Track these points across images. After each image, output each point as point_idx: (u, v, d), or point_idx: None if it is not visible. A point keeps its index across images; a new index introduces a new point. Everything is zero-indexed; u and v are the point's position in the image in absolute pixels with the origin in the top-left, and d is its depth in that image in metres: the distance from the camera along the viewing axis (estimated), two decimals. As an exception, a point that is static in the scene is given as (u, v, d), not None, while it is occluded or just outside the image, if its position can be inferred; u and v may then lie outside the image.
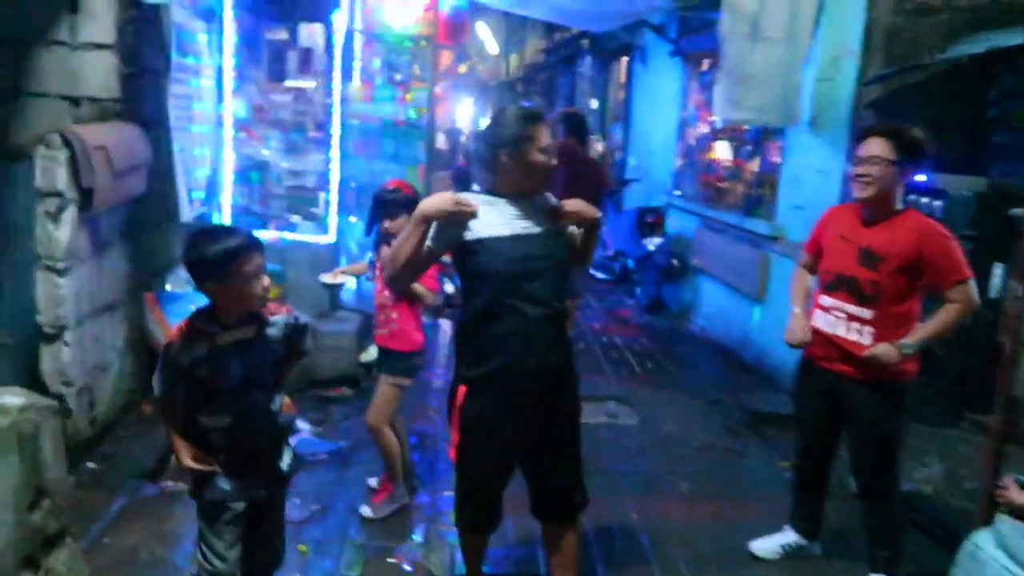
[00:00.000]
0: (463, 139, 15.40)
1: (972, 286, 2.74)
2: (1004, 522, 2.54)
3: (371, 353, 3.44)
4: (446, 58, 20.99)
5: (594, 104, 11.31)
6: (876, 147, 2.74)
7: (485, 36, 18.62)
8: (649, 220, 7.57)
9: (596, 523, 3.41)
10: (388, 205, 3.21)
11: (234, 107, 5.15)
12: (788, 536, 3.26)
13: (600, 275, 8.54)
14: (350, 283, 3.37)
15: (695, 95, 7.60)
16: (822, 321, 2.93)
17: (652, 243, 7.36)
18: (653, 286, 7.31)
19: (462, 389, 2.44)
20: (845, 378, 2.86)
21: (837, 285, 2.87)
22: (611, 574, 3.09)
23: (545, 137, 2.36)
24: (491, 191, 2.43)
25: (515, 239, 2.34)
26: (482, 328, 2.37)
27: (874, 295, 2.77)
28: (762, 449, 4.39)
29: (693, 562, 3.19)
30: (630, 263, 7.80)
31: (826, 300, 2.92)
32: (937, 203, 4.30)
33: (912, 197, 4.53)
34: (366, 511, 3.30)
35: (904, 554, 2.98)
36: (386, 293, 3.27)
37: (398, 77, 6.82)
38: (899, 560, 2.97)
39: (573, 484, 2.59)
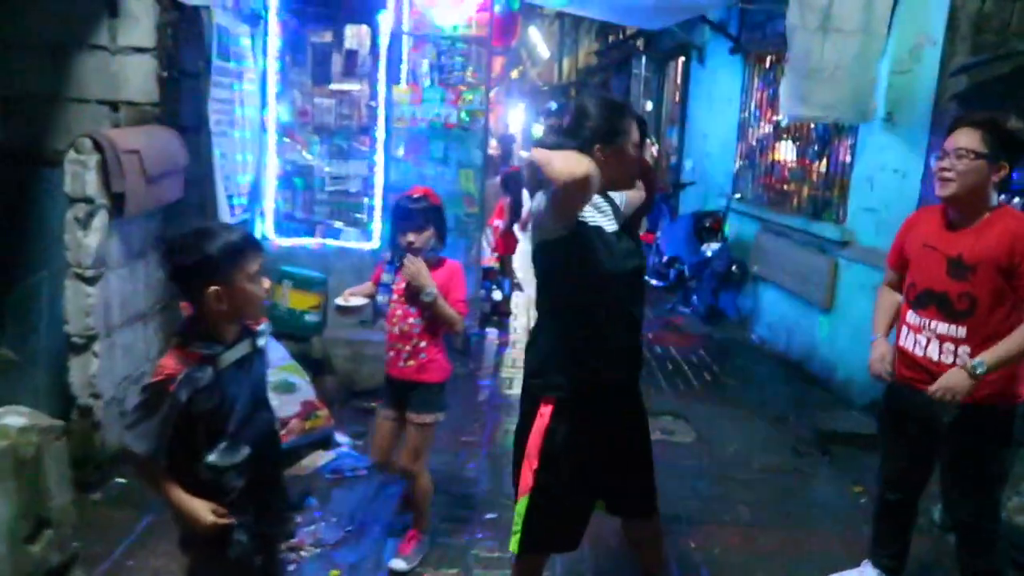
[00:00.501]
0: (516, 145, 15.21)
1: None
2: None
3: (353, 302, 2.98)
4: (498, 63, 20.86)
5: (648, 106, 11.00)
6: (963, 138, 2.40)
7: (537, 40, 18.45)
8: (707, 224, 7.22)
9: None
10: (412, 216, 2.83)
11: (277, 111, 5.06)
12: (867, 572, 2.93)
13: (654, 282, 8.23)
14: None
15: (756, 94, 7.24)
16: (910, 342, 2.59)
17: (710, 249, 7.02)
18: (710, 294, 6.97)
19: (550, 407, 2.22)
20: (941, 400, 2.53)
21: (926, 302, 2.53)
22: (667, 612, 2.83)
23: (636, 132, 2.26)
24: None
25: (617, 235, 2.23)
26: (585, 333, 2.20)
27: (968, 309, 2.42)
28: (833, 472, 4.04)
29: (758, 601, 2.90)
30: (685, 270, 7.47)
31: (913, 318, 2.58)
32: (1034, 203, 3.90)
33: (1004, 197, 4.14)
34: (399, 564, 2.95)
35: None
36: (410, 320, 2.89)
37: (450, 79, 6.67)
38: None
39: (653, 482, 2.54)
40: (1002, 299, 2.39)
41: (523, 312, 7.07)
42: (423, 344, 2.90)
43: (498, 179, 7.37)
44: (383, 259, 3.04)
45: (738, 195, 7.39)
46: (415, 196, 2.88)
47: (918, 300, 2.57)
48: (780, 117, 6.19)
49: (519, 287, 7.48)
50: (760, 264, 6.63)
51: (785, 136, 6.63)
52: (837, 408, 4.83)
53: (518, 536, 2.30)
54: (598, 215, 2.22)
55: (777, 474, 3.99)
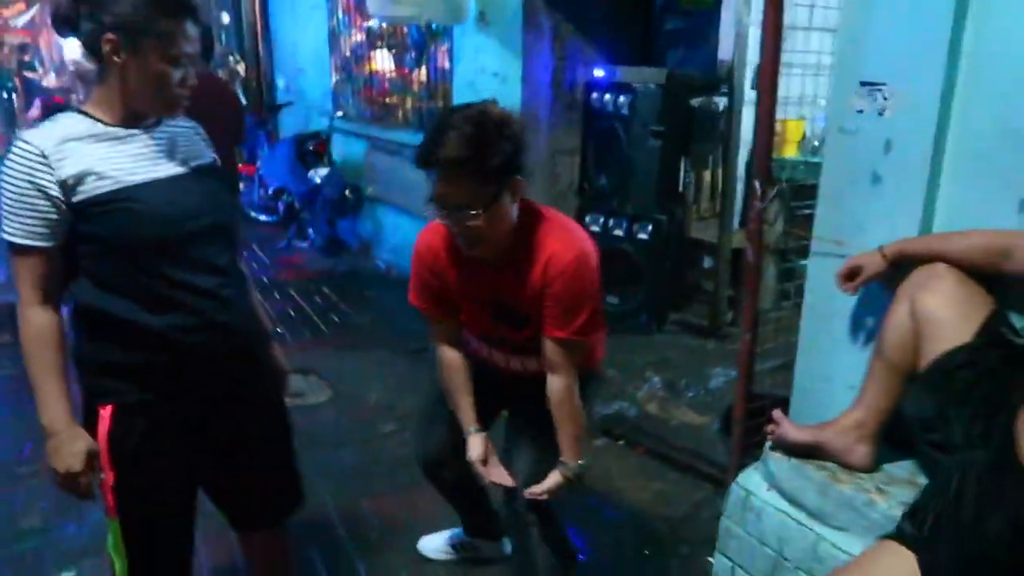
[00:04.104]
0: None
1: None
2: (774, 460, 2.19)
3: None
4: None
5: (225, 18, 9.68)
6: (454, 194, 1.69)
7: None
8: (311, 148, 6.51)
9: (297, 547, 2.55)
10: None
11: None
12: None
13: (263, 217, 7.35)
14: None
15: (343, -3, 6.59)
16: None
17: (318, 174, 6.36)
18: (326, 223, 6.36)
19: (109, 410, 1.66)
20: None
21: None
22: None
23: (185, 43, 1.53)
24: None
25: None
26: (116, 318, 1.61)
27: None
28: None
29: None
30: (295, 200, 6.74)
31: None
32: (623, 99, 3.96)
33: (596, 95, 4.17)
34: None
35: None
36: None
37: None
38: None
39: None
40: None
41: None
42: None
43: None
44: None
45: (340, 113, 6.80)
46: None
47: None
48: (370, 22, 5.66)
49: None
50: (375, 186, 6.20)
51: (380, 44, 6.13)
52: (472, 328, 4.66)
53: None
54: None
55: (425, 417, 3.63)
